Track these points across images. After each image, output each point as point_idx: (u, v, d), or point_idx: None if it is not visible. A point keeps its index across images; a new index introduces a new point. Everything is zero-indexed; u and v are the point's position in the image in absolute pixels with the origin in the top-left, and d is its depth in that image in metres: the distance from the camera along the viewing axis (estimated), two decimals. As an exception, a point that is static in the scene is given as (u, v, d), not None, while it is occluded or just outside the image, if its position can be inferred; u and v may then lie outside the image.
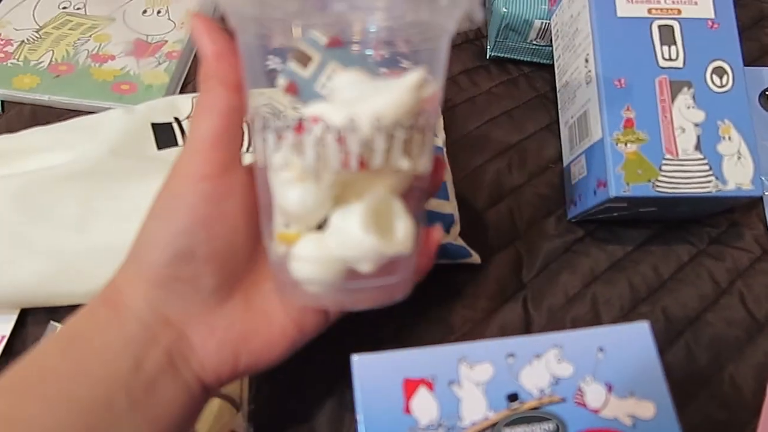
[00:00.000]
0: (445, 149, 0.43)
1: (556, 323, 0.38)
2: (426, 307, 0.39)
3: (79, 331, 0.24)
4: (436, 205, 0.39)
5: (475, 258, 0.40)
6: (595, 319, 0.39)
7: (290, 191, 0.23)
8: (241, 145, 0.26)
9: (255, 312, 0.26)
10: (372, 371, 0.27)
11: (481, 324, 0.38)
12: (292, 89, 0.24)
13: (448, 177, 0.42)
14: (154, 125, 0.41)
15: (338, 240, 0.23)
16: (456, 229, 0.40)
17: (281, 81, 0.24)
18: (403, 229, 0.24)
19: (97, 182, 0.36)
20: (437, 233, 0.28)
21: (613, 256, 0.42)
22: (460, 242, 0.40)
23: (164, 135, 0.40)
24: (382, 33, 0.23)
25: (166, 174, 0.26)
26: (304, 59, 0.23)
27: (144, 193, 0.35)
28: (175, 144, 0.40)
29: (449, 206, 0.40)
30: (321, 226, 0.24)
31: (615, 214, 0.41)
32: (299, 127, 0.21)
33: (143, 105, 0.42)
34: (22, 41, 0.50)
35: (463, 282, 0.40)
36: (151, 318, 0.24)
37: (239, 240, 0.26)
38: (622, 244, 0.42)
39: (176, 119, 0.42)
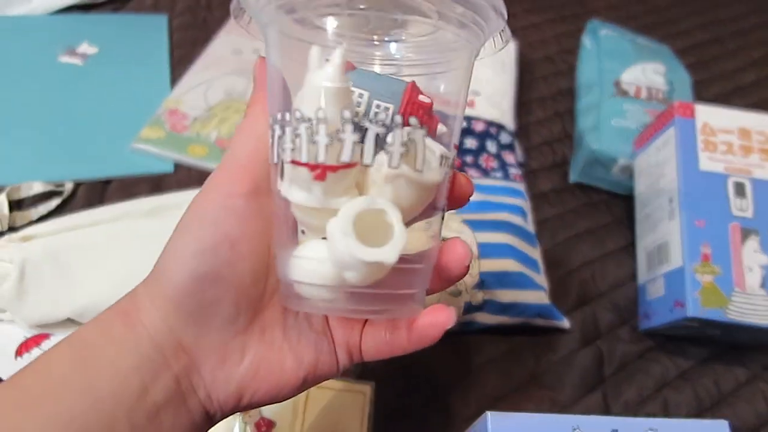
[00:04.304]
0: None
1: (632, 416, 0.45)
2: (511, 388, 0.46)
3: (92, 342, 0.23)
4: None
5: (565, 324, 0.48)
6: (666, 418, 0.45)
7: (297, 193, 0.23)
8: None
9: (268, 350, 0.26)
10: (505, 429, 0.34)
11: (566, 408, 0.45)
12: None
13: (537, 255, 0.52)
14: None
15: (329, 245, 0.23)
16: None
17: None
18: (393, 238, 0.22)
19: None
20: (457, 251, 0.26)
21: (680, 367, 0.49)
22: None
23: None
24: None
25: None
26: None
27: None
28: None
29: (539, 278, 0.50)
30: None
31: (683, 331, 0.48)
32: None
33: None
34: (195, 117, 0.60)
35: (551, 370, 0.47)
36: (166, 341, 0.24)
37: (262, 268, 0.25)
38: (686, 358, 0.49)
39: None
